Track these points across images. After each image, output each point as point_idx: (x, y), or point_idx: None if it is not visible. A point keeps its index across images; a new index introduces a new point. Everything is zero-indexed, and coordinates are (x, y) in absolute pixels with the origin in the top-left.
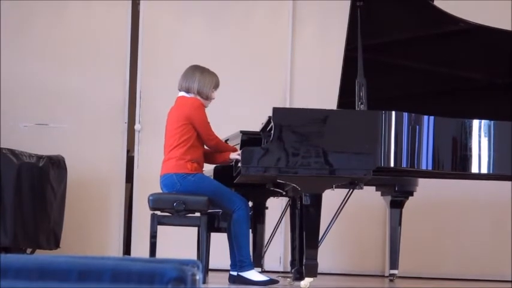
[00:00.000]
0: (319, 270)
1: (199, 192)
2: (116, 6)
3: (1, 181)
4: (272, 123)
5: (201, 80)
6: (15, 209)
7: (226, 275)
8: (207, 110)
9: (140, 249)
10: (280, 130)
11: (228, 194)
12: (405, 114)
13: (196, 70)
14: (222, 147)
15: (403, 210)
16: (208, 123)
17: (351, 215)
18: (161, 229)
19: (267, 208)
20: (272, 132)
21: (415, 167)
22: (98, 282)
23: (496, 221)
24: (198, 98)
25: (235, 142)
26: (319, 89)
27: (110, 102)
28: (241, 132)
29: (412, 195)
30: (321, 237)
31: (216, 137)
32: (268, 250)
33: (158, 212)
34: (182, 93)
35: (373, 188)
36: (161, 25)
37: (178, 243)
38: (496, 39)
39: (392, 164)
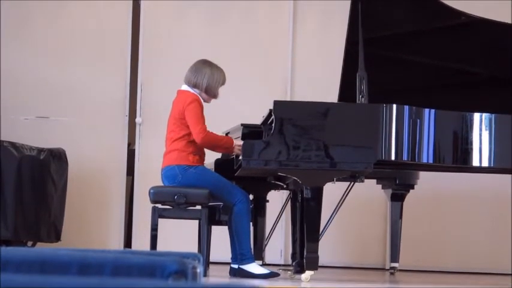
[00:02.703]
0: (320, 263)
1: (200, 185)
2: (116, 3)
3: (2, 174)
4: (273, 116)
5: (210, 77)
6: (16, 202)
7: (227, 268)
8: (208, 104)
9: (141, 242)
10: (281, 123)
11: (228, 187)
12: (406, 108)
13: (206, 66)
14: (214, 141)
15: (404, 203)
16: (200, 117)
17: (351, 208)
18: (162, 222)
19: (267, 201)
20: (273, 125)
21: (416, 160)
22: (98, 275)
23: (496, 214)
24: (203, 94)
25: (236, 135)
26: (320, 82)
27: (110, 95)
28: (242, 125)
29: (413, 188)
30: (322, 231)
31: (205, 130)
32: (269, 243)
33: (159, 205)
34: (185, 87)
35: (374, 181)
36: (162, 19)
37: (179, 236)
38: (497, 33)
39: (393, 157)
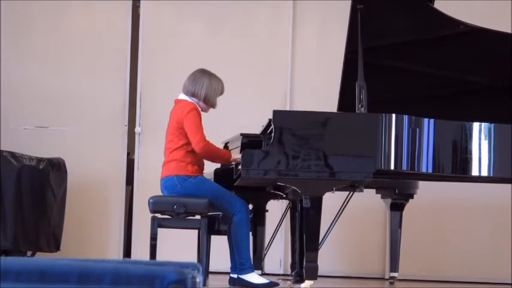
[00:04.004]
0: (320, 272)
1: (199, 195)
2: (116, 7)
3: (1, 184)
4: (272, 126)
5: (209, 87)
6: (15, 211)
7: (227, 277)
8: (207, 112)
9: (140, 251)
10: (281, 133)
11: (228, 196)
12: (405, 117)
13: (204, 76)
14: (212, 151)
15: (404, 212)
16: (199, 127)
17: (351, 217)
18: (161, 232)
19: (267, 211)
20: (272, 134)
21: (416, 170)
22: (98, 285)
23: (496, 224)
24: (201, 103)
25: (236, 145)
26: (320, 92)
27: (110, 104)
28: (241, 134)
29: (412, 197)
30: (321, 240)
31: (205, 140)
32: (269, 253)
33: (158, 215)
34: (182, 96)
35: (374, 190)
36: (161, 26)
37: (178, 245)
38: (497, 42)
39: (392, 167)
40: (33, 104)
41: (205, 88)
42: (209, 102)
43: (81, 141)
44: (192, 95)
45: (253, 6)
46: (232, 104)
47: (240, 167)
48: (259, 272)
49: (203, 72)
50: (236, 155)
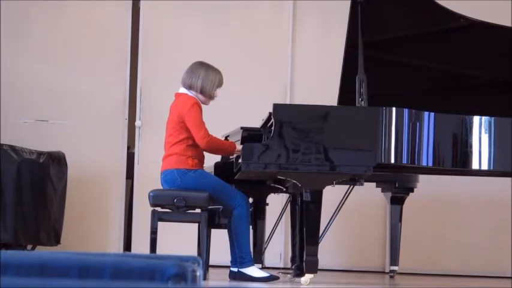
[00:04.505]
0: (320, 266)
1: (199, 188)
2: (116, 5)
3: (1, 177)
4: (272, 120)
5: (205, 79)
6: (15, 205)
7: (227, 271)
8: (207, 106)
9: (140, 245)
10: (281, 126)
11: (228, 190)
12: (406, 111)
13: (201, 67)
14: (217, 145)
15: (404, 206)
16: (202, 122)
17: (351, 211)
18: (161, 225)
19: (267, 204)
20: (272, 128)
21: (416, 164)
22: (98, 279)
23: (496, 217)
24: (199, 95)
25: (236, 138)
26: (320, 85)
27: (110, 98)
28: (241, 128)
29: (412, 191)
30: (322, 234)
31: (209, 135)
32: (269, 246)
33: (158, 208)
34: (182, 90)
35: (374, 184)
36: (161, 22)
37: (178, 239)
38: (497, 36)
39: (392, 161)
40: (34, 97)
41: (202, 79)
42: (206, 94)
43: (82, 135)
44: (190, 87)
45: (253, 5)
46: (232, 98)
47: (240, 160)
48: (260, 265)
49: (200, 64)
50: (240, 146)
